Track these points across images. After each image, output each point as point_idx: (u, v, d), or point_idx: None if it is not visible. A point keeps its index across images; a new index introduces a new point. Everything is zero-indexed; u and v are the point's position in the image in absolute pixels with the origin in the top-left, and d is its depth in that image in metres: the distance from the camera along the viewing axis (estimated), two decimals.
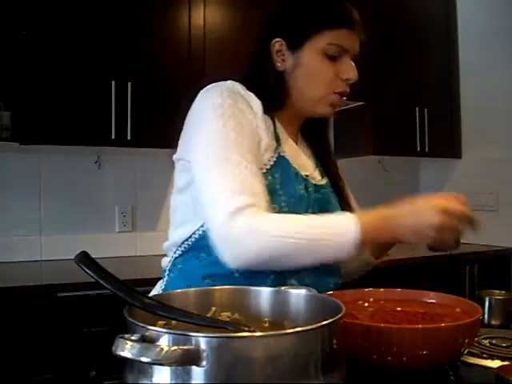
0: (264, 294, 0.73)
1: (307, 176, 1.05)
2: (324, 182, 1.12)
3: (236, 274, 0.97)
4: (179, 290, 0.74)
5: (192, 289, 0.75)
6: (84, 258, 0.61)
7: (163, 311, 0.59)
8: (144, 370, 0.52)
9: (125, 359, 0.50)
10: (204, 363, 0.49)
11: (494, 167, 2.98)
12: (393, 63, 2.97)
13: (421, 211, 0.86)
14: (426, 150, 3.00)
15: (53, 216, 2.50)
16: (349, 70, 1.02)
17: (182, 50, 2.41)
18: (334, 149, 3.73)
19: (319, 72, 1.02)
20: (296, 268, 0.92)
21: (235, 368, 0.49)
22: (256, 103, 1.00)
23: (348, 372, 0.58)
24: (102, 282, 0.59)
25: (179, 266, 1.06)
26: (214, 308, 0.71)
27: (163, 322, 0.62)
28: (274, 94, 1.04)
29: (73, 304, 1.88)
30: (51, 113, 2.16)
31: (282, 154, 1.01)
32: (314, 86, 1.03)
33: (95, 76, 2.23)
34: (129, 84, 2.26)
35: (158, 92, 2.31)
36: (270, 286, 0.77)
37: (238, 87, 1.00)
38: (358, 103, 2.92)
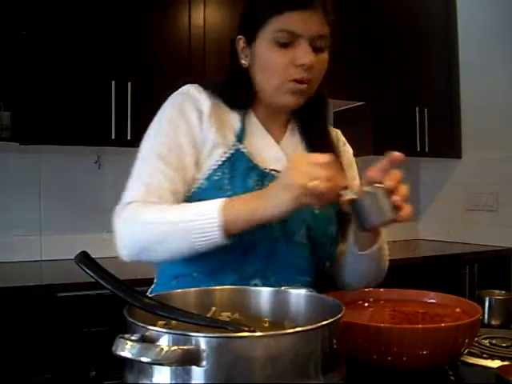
0: (264, 294, 0.73)
1: (272, 170, 1.01)
2: None
3: (194, 274, 0.98)
4: (179, 290, 0.74)
5: (192, 289, 0.75)
6: (84, 258, 0.61)
7: (163, 311, 0.59)
8: (144, 370, 0.52)
9: (125, 359, 0.50)
10: (204, 363, 0.49)
11: (493, 167, 2.98)
12: (393, 63, 2.96)
13: (281, 186, 0.81)
14: (426, 149, 3.01)
15: (53, 216, 2.50)
16: (302, 55, 0.95)
17: (181, 49, 2.41)
18: None
19: (271, 61, 0.98)
20: (182, 257, 0.89)
21: (235, 368, 0.49)
22: (204, 104, 1.00)
23: (348, 372, 0.58)
24: (101, 281, 0.59)
25: (159, 268, 1.09)
26: (214, 308, 0.71)
27: (163, 322, 0.62)
28: (240, 92, 1.04)
29: (73, 304, 1.88)
30: (51, 113, 2.16)
31: (241, 149, 1.00)
32: (269, 76, 0.99)
33: (95, 76, 2.23)
34: (129, 84, 2.26)
35: (158, 92, 2.30)
36: (232, 285, 0.78)
37: (192, 90, 1.02)
38: (358, 103, 2.93)
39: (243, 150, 1.00)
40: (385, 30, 2.93)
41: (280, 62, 0.96)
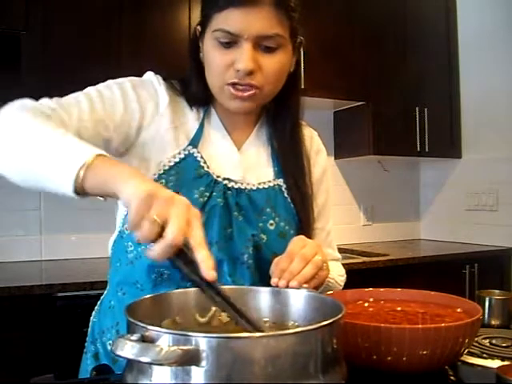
0: (264, 294, 0.73)
1: (226, 179, 0.94)
2: (270, 184, 0.98)
3: (138, 285, 0.92)
4: (179, 290, 0.74)
5: (192, 289, 0.74)
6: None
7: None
8: (144, 370, 0.52)
9: (125, 359, 0.50)
10: (204, 363, 0.49)
11: (494, 167, 2.98)
12: (393, 63, 2.97)
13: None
14: (426, 149, 3.00)
15: (53, 216, 2.50)
16: (239, 59, 0.86)
17: (181, 49, 2.40)
18: (334, 149, 3.69)
19: (212, 61, 0.90)
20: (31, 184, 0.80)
21: (235, 368, 0.49)
22: (162, 98, 0.96)
23: (348, 372, 0.58)
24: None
25: (108, 275, 1.04)
26: (214, 308, 0.71)
27: (169, 321, 0.62)
28: (196, 88, 0.97)
29: (73, 304, 1.88)
30: None
31: (194, 154, 0.93)
32: (211, 76, 0.92)
33: (95, 76, 2.23)
34: None
35: None
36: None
37: (154, 79, 0.99)
38: (358, 103, 2.93)
39: (196, 154, 0.93)
40: (385, 30, 2.93)
41: (219, 63, 0.89)
